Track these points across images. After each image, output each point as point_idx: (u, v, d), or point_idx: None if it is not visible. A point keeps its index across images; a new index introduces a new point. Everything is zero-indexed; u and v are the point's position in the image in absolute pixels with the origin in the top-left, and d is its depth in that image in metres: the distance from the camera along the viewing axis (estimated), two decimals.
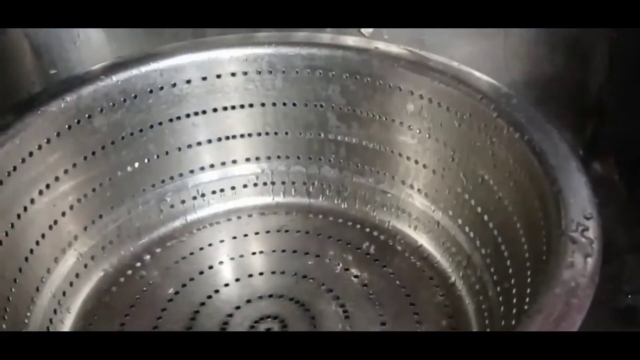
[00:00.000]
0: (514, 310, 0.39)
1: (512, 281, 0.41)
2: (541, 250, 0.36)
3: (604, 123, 0.38)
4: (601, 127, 0.38)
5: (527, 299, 0.37)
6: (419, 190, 0.50)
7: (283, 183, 0.55)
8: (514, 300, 0.39)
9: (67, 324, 0.46)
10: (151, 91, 0.49)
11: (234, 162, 0.54)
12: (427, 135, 0.48)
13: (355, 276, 0.48)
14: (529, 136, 0.40)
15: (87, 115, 0.47)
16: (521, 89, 0.43)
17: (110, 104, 0.48)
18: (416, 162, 0.49)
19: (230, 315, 0.45)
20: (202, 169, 0.54)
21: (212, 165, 0.54)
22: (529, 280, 0.38)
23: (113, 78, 0.48)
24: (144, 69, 0.49)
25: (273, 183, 0.55)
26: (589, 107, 0.41)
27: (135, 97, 0.49)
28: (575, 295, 0.30)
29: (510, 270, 0.41)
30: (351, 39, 0.50)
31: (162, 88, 0.50)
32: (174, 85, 0.50)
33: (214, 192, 0.54)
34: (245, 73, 0.51)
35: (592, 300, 0.30)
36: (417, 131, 0.48)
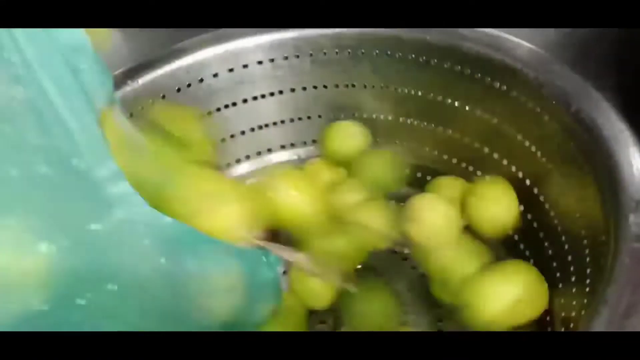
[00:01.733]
0: (574, 289, 0.38)
1: (569, 258, 0.39)
2: (599, 229, 0.35)
3: None
4: None
5: (588, 280, 0.36)
6: (464, 164, 0.49)
7: None
8: (573, 279, 0.38)
9: None
10: (179, 90, 0.48)
11: (269, 150, 0.53)
12: (467, 108, 0.46)
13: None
14: (576, 106, 0.38)
15: None
16: (556, 50, 0.41)
17: (140, 107, 0.47)
18: (459, 135, 0.48)
19: None
20: (238, 161, 0.53)
21: (247, 157, 0.53)
22: (587, 259, 0.36)
23: (139, 81, 0.47)
24: (168, 68, 0.48)
25: None
26: (630, 63, 0.39)
27: (164, 96, 0.48)
28: None
29: (566, 247, 0.40)
30: None
31: (189, 85, 0.48)
32: (201, 80, 0.49)
33: None
34: (271, 60, 0.49)
35: None
36: (455, 104, 0.47)
